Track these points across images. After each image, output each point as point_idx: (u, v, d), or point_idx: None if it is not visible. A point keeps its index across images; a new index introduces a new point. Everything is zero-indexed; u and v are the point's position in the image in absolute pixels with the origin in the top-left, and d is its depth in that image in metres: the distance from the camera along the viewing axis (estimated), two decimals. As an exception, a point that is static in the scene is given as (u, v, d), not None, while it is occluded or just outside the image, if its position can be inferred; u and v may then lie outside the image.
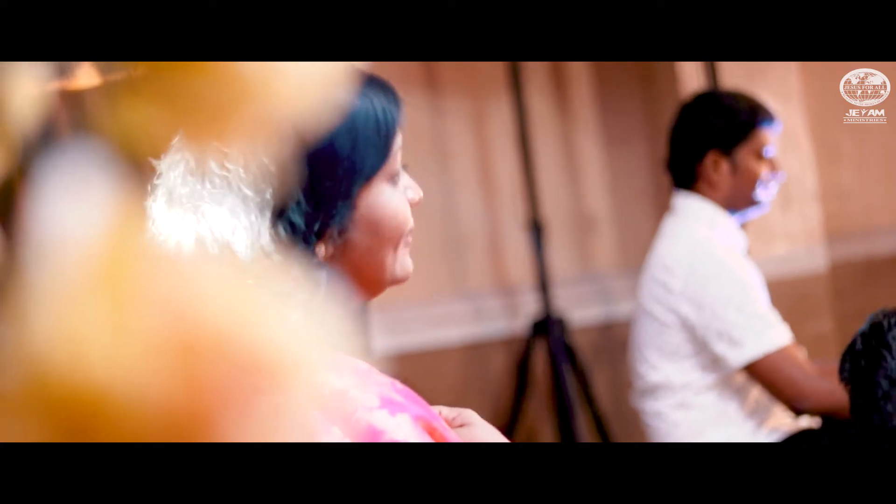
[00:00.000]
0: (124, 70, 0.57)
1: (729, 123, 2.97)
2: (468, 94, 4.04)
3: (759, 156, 2.97)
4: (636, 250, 3.99)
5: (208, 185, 1.23)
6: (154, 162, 1.24)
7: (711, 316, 2.86)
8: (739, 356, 2.83)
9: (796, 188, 4.01)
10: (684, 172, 3.02)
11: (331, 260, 1.30)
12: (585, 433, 3.78)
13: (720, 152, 2.96)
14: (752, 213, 3.05)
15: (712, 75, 3.85)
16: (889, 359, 1.61)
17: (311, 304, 0.50)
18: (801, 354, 2.88)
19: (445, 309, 3.97)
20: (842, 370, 1.70)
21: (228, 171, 1.23)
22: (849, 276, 4.27)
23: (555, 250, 4.01)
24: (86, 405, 0.48)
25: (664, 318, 2.94)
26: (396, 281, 1.37)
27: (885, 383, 1.61)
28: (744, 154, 2.96)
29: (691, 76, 3.95)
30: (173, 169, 1.25)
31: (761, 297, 2.89)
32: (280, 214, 1.25)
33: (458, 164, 4.02)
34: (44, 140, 0.54)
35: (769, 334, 2.83)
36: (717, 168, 2.96)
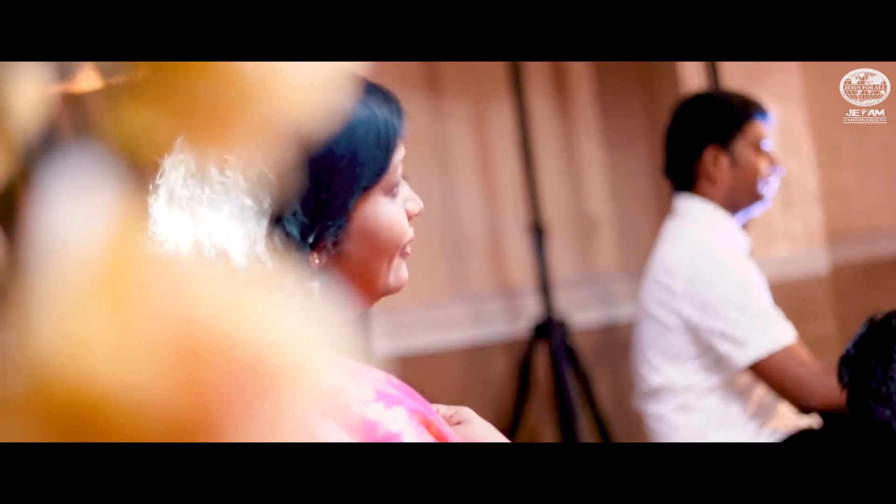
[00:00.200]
0: (126, 73, 0.57)
1: (723, 117, 2.98)
2: (469, 97, 4.04)
3: (757, 148, 2.97)
4: (637, 252, 3.99)
5: (207, 191, 1.23)
6: (157, 160, 1.24)
7: (714, 317, 2.86)
8: (744, 356, 2.83)
9: (797, 190, 4.01)
10: (684, 173, 3.02)
11: (325, 269, 1.31)
12: (587, 436, 3.77)
13: (718, 146, 2.96)
14: (754, 211, 3.05)
15: (713, 76, 3.86)
16: (886, 366, 1.61)
17: (307, 310, 0.50)
18: (805, 352, 2.87)
19: (447, 311, 3.97)
20: (840, 376, 1.70)
21: (228, 178, 1.23)
22: (850, 277, 4.26)
23: (556, 253, 4.01)
24: (88, 408, 0.48)
25: (666, 321, 2.94)
26: (390, 291, 1.37)
27: (883, 389, 1.61)
28: (741, 147, 2.97)
29: (692, 78, 3.95)
30: (175, 169, 1.25)
31: (764, 297, 2.89)
32: (276, 223, 1.25)
33: (460, 166, 4.02)
34: (46, 143, 0.54)
35: (773, 333, 2.83)
36: (717, 163, 2.97)
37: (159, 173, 1.26)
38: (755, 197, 3.00)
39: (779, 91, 3.94)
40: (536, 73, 4.09)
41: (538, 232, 3.86)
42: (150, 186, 1.25)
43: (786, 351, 2.82)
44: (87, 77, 0.58)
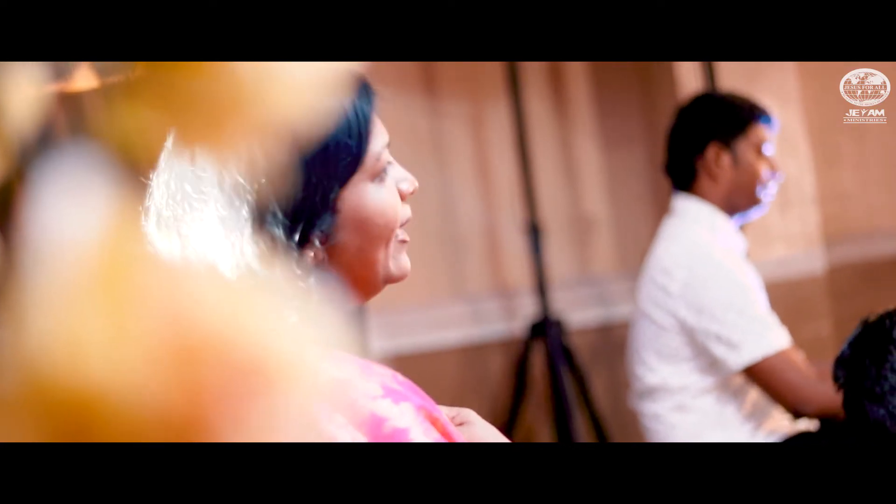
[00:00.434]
0: (122, 73, 0.57)
1: (728, 116, 2.99)
2: (467, 97, 4.04)
3: (759, 151, 2.98)
4: (634, 252, 3.99)
5: (188, 208, 1.23)
6: (153, 160, 1.25)
7: (710, 319, 2.86)
8: (738, 359, 2.83)
9: (795, 191, 4.01)
10: (685, 170, 3.02)
11: (322, 264, 1.30)
12: (583, 435, 3.78)
13: (721, 144, 2.97)
14: (751, 214, 3.05)
15: (710, 77, 3.86)
16: (879, 368, 1.61)
17: (305, 309, 0.50)
18: (799, 357, 2.88)
19: (444, 311, 3.97)
20: (835, 378, 1.70)
21: (204, 192, 1.23)
22: (847, 278, 4.27)
23: (553, 252, 4.01)
24: (83, 408, 0.48)
25: (662, 321, 2.94)
26: (392, 279, 1.37)
27: (893, 377, 1.61)
28: (744, 147, 2.97)
29: (689, 78, 3.95)
30: (159, 189, 1.25)
31: (760, 300, 2.89)
32: (259, 228, 1.24)
33: (457, 166, 4.03)
34: (41, 143, 0.54)
35: (768, 337, 2.83)
36: (719, 161, 2.97)
37: (148, 194, 1.26)
38: (753, 200, 3.00)
39: (776, 92, 3.94)
40: (533, 73, 4.09)
41: (535, 232, 3.86)
42: (142, 207, 1.25)
43: (780, 355, 2.82)
44: (83, 76, 0.58)
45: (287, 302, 0.53)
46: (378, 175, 1.34)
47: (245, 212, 1.23)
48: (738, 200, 2.99)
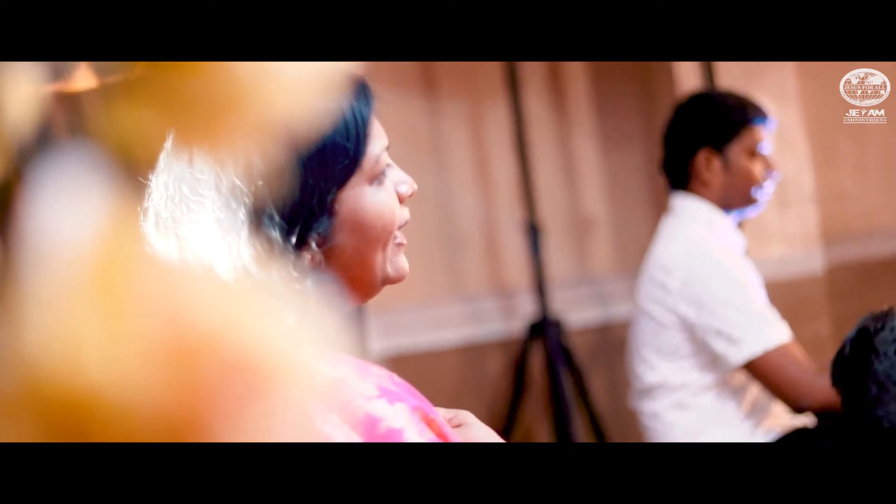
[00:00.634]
0: (121, 73, 0.57)
1: (720, 121, 2.98)
2: (465, 96, 4.04)
3: (752, 153, 2.97)
4: (633, 252, 3.99)
5: (185, 210, 1.23)
6: (151, 160, 1.25)
7: (710, 315, 2.86)
8: (739, 354, 2.83)
9: (793, 190, 4.01)
10: (678, 172, 3.03)
11: (319, 266, 1.30)
12: (582, 435, 3.78)
13: (711, 149, 2.96)
14: (749, 213, 3.05)
15: (709, 76, 3.86)
16: (877, 364, 1.61)
17: (302, 311, 0.50)
18: (800, 351, 2.88)
19: (442, 311, 3.97)
20: (833, 377, 1.70)
21: (202, 195, 1.23)
22: (846, 278, 4.27)
23: (552, 252, 4.01)
24: (80, 408, 0.48)
25: (662, 319, 2.94)
26: (389, 281, 1.36)
27: (874, 388, 1.61)
28: (736, 152, 2.97)
29: (688, 77, 3.95)
30: (158, 191, 1.25)
31: (759, 296, 2.90)
32: (256, 230, 1.24)
33: (456, 165, 4.03)
34: (40, 143, 0.54)
35: (768, 332, 2.83)
36: (710, 166, 2.97)
37: (147, 195, 1.26)
38: (748, 200, 3.00)
39: (775, 91, 3.94)
40: (532, 72, 4.09)
41: (534, 231, 3.86)
42: (144, 186, 1.25)
43: (780, 350, 2.82)
44: (82, 76, 0.58)
45: (284, 303, 0.53)
46: (377, 178, 1.33)
47: (242, 214, 1.23)
48: (733, 200, 2.99)
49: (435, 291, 3.96)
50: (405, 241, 1.38)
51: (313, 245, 1.29)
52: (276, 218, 1.26)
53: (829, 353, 3.84)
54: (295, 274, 1.27)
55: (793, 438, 2.87)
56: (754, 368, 2.84)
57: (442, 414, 1.38)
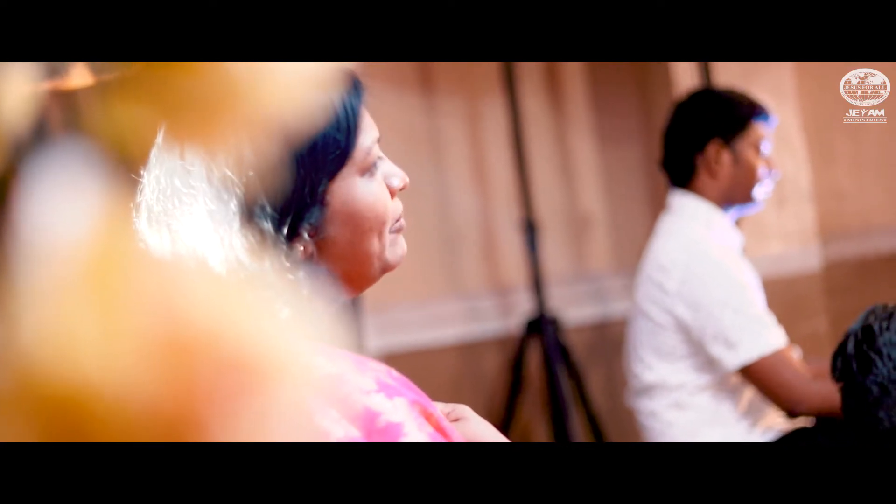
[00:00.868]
0: (115, 70, 0.57)
1: (730, 113, 2.98)
2: (462, 94, 4.04)
3: (758, 149, 2.98)
4: (630, 250, 3.99)
5: (177, 203, 1.24)
6: (146, 156, 1.25)
7: (707, 317, 2.86)
8: (735, 358, 2.83)
9: (791, 188, 4.01)
10: (683, 167, 3.02)
11: (311, 258, 1.31)
12: (579, 433, 3.78)
13: (722, 141, 2.96)
14: (747, 211, 3.05)
15: (706, 75, 3.86)
16: (880, 365, 1.60)
17: (295, 303, 0.50)
18: (795, 356, 2.88)
19: (440, 308, 3.97)
20: (833, 369, 1.69)
21: (193, 187, 1.24)
22: (843, 275, 4.27)
23: (549, 250, 4.01)
24: (75, 405, 0.48)
25: (660, 319, 2.94)
26: (388, 268, 1.37)
27: (875, 389, 1.60)
28: (743, 146, 2.97)
29: (685, 76, 3.95)
30: (150, 185, 1.26)
31: (757, 299, 2.89)
32: (248, 221, 1.25)
33: (453, 163, 4.02)
34: (35, 139, 0.54)
35: (765, 336, 2.83)
36: (719, 158, 2.97)
37: (139, 191, 1.26)
38: (749, 198, 3.00)
39: (772, 89, 3.94)
40: (529, 70, 4.09)
41: (531, 229, 3.86)
42: (138, 182, 1.26)
43: (776, 355, 2.82)
44: (77, 73, 0.57)
45: (277, 295, 0.53)
46: (368, 169, 1.34)
47: (233, 205, 1.24)
48: (735, 196, 2.99)
49: (432, 289, 3.96)
50: (404, 225, 1.38)
51: (305, 236, 1.30)
52: (268, 209, 1.26)
53: (827, 350, 3.83)
54: (287, 265, 1.27)
55: (791, 438, 2.87)
56: (750, 373, 2.84)
57: (440, 408, 1.38)
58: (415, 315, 3.91)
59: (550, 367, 3.76)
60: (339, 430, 1.21)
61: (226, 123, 0.54)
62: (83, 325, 0.48)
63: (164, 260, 0.52)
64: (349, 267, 1.34)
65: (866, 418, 1.61)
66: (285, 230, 1.28)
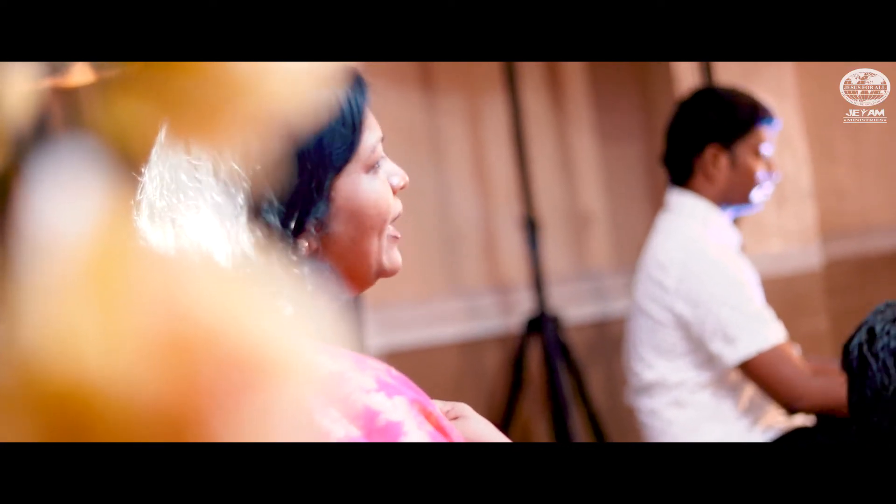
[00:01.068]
0: (118, 67, 0.57)
1: (730, 118, 2.97)
2: (463, 92, 4.04)
3: (758, 153, 2.97)
4: (631, 248, 3.99)
5: (182, 198, 1.24)
6: (148, 153, 1.25)
7: (706, 314, 2.86)
8: (734, 354, 2.84)
9: (791, 187, 4.01)
10: (682, 167, 3.02)
11: (315, 254, 1.31)
12: (580, 431, 3.78)
13: (720, 146, 2.96)
14: (745, 212, 3.06)
15: (707, 74, 3.86)
16: (875, 369, 1.60)
17: (299, 299, 0.50)
18: (795, 352, 2.88)
19: (440, 306, 3.97)
20: (842, 361, 1.67)
21: (199, 181, 1.24)
22: (843, 274, 4.27)
23: (549, 248, 4.01)
24: (77, 402, 0.48)
25: (659, 317, 2.94)
26: (384, 273, 1.38)
27: (869, 392, 1.60)
28: (743, 150, 2.96)
29: (686, 74, 3.95)
30: (152, 182, 1.26)
31: (756, 295, 2.90)
32: (255, 216, 1.25)
33: (453, 161, 4.02)
34: (36, 136, 0.54)
35: (764, 332, 2.83)
36: (716, 162, 2.96)
37: (140, 189, 1.26)
38: (746, 200, 3.00)
39: (773, 88, 3.94)
40: (530, 69, 4.09)
41: (531, 227, 3.86)
42: (140, 180, 1.26)
43: (775, 350, 2.82)
44: (79, 71, 0.58)
45: (282, 291, 0.53)
46: (372, 167, 1.35)
47: (240, 199, 1.24)
48: (732, 198, 2.99)
49: (433, 287, 3.96)
50: (399, 235, 1.39)
51: (311, 231, 1.30)
52: (276, 203, 1.27)
53: (827, 349, 3.84)
54: (294, 259, 1.28)
55: (792, 437, 2.87)
56: (749, 368, 2.84)
57: (439, 406, 1.38)
58: (415, 313, 3.91)
59: (551, 365, 3.76)
60: (340, 430, 1.21)
61: (229, 119, 0.54)
62: (85, 322, 0.48)
63: (166, 257, 0.52)
64: (350, 264, 1.35)
65: (865, 419, 1.61)
66: (292, 225, 1.29)
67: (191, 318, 0.50)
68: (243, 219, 1.24)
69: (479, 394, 3.96)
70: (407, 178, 1.40)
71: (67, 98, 0.56)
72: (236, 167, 1.24)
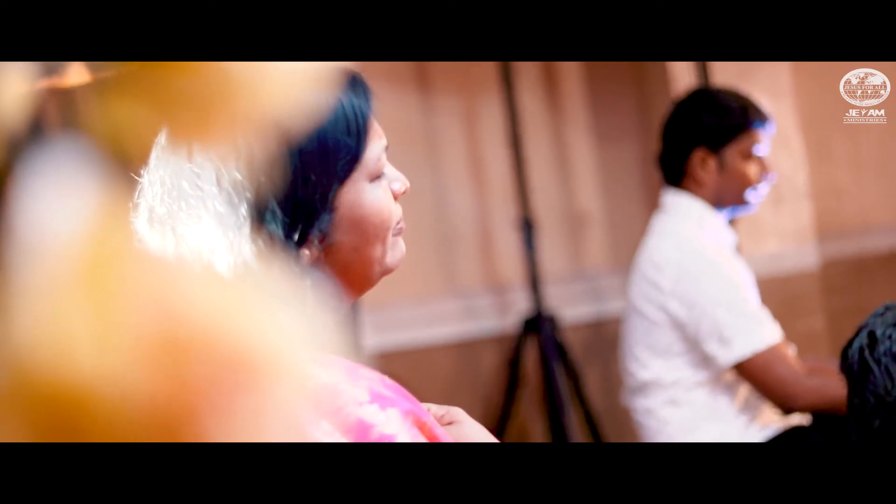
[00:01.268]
0: (113, 68, 0.57)
1: (720, 122, 2.97)
2: (460, 93, 4.04)
3: (748, 156, 2.97)
4: (627, 248, 3.99)
5: (184, 206, 1.23)
6: (143, 154, 1.24)
7: (701, 314, 2.86)
8: (729, 355, 2.84)
9: (787, 186, 4.01)
10: (673, 168, 3.03)
11: (317, 262, 1.30)
12: (576, 430, 3.78)
13: (708, 150, 2.96)
14: (740, 213, 3.06)
15: (704, 73, 3.86)
16: (878, 374, 1.60)
17: (299, 310, 0.50)
18: (790, 352, 2.88)
19: (436, 307, 3.97)
20: (841, 365, 1.67)
21: (202, 190, 1.22)
22: (840, 274, 4.27)
23: (546, 248, 4.01)
24: (70, 402, 0.48)
25: (654, 317, 2.94)
26: (388, 271, 1.37)
27: (871, 399, 1.60)
28: (732, 153, 2.96)
29: (683, 74, 3.95)
30: (152, 186, 1.24)
31: (751, 296, 2.90)
32: (258, 226, 1.24)
33: (450, 162, 4.02)
34: (31, 136, 0.54)
35: (759, 333, 2.83)
36: (705, 166, 2.97)
37: (138, 190, 1.25)
38: (740, 201, 3.00)
39: (769, 88, 3.94)
40: (527, 69, 4.09)
41: (528, 227, 3.86)
42: (135, 181, 1.24)
43: (770, 351, 2.83)
44: (74, 71, 0.57)
45: (282, 302, 0.53)
46: (377, 176, 1.34)
47: (244, 210, 1.22)
48: (725, 200, 2.99)
49: (429, 287, 3.96)
50: (403, 226, 1.38)
51: (315, 242, 1.29)
52: (279, 213, 1.25)
53: (824, 349, 3.83)
54: (296, 269, 1.26)
55: (788, 437, 2.87)
56: (744, 369, 2.84)
57: (434, 410, 1.37)
58: (412, 313, 3.91)
59: (547, 366, 3.76)
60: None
61: (225, 120, 0.54)
62: (78, 322, 0.48)
63: (159, 258, 0.52)
64: (351, 272, 1.33)
65: (867, 422, 1.60)
66: (296, 236, 1.27)
67: (183, 318, 0.50)
68: (246, 230, 1.22)
69: (476, 394, 3.96)
70: (408, 184, 1.39)
71: (62, 98, 0.56)
72: (239, 177, 1.22)
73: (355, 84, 1.34)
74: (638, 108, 4.21)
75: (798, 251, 4.09)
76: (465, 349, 3.99)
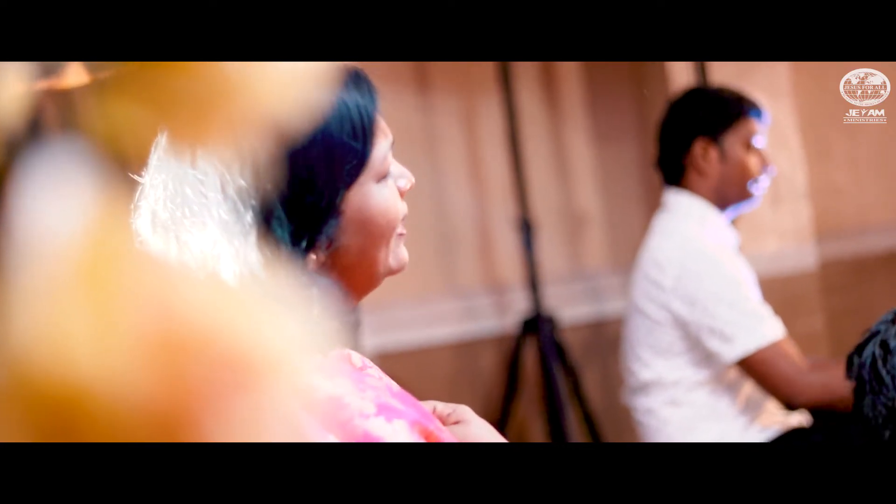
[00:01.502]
0: (111, 68, 0.57)
1: (716, 111, 2.99)
2: (458, 92, 4.04)
3: (748, 145, 2.98)
4: (626, 248, 3.99)
5: (188, 212, 1.21)
6: (141, 154, 1.22)
7: (703, 312, 2.87)
8: (732, 352, 2.84)
9: (786, 186, 4.01)
10: (673, 166, 3.03)
11: (322, 266, 1.28)
12: (575, 431, 3.78)
13: (708, 139, 2.97)
14: (743, 208, 3.05)
15: (702, 73, 3.86)
16: (890, 386, 1.59)
17: (305, 317, 0.49)
18: (792, 348, 2.88)
19: (436, 307, 3.97)
20: (848, 366, 1.66)
21: (206, 197, 1.21)
22: (839, 273, 4.27)
23: (545, 248, 4.01)
24: (69, 403, 0.48)
25: (656, 316, 2.95)
26: (391, 272, 1.35)
27: (882, 409, 1.59)
28: (731, 141, 2.97)
29: (681, 74, 3.95)
30: (154, 189, 1.23)
31: (753, 293, 2.90)
32: (264, 233, 1.22)
33: (449, 162, 4.02)
34: (29, 137, 0.54)
35: (761, 329, 2.83)
36: (706, 156, 2.97)
37: (139, 192, 1.23)
38: (744, 194, 3.00)
39: (768, 87, 3.94)
40: (525, 69, 4.09)
41: (527, 227, 3.86)
42: (134, 181, 1.23)
43: (773, 347, 2.83)
44: (73, 71, 0.57)
45: (287, 307, 0.53)
46: (383, 176, 1.32)
47: (249, 217, 1.20)
48: (729, 194, 3.00)
49: (428, 288, 3.96)
50: (405, 232, 1.37)
51: (322, 247, 1.27)
52: (285, 220, 1.24)
53: (824, 348, 3.83)
54: (303, 279, 1.24)
55: (789, 437, 2.87)
56: (747, 366, 2.85)
57: (440, 408, 1.37)
58: (411, 314, 3.91)
59: (546, 366, 3.76)
60: None
61: (222, 122, 0.54)
62: (77, 323, 0.48)
63: (157, 258, 0.52)
64: (358, 273, 1.32)
65: (877, 432, 1.60)
66: (303, 243, 1.26)
67: (183, 319, 0.50)
68: (252, 237, 1.20)
69: (475, 394, 3.96)
70: (413, 180, 1.37)
71: (61, 99, 0.56)
72: (244, 184, 1.21)
73: (358, 82, 1.31)
74: (636, 107, 4.21)
75: (797, 251, 4.09)
76: (464, 349, 3.99)
